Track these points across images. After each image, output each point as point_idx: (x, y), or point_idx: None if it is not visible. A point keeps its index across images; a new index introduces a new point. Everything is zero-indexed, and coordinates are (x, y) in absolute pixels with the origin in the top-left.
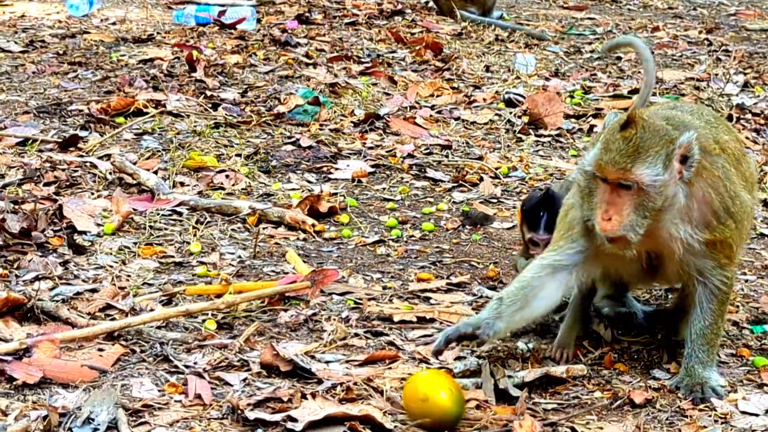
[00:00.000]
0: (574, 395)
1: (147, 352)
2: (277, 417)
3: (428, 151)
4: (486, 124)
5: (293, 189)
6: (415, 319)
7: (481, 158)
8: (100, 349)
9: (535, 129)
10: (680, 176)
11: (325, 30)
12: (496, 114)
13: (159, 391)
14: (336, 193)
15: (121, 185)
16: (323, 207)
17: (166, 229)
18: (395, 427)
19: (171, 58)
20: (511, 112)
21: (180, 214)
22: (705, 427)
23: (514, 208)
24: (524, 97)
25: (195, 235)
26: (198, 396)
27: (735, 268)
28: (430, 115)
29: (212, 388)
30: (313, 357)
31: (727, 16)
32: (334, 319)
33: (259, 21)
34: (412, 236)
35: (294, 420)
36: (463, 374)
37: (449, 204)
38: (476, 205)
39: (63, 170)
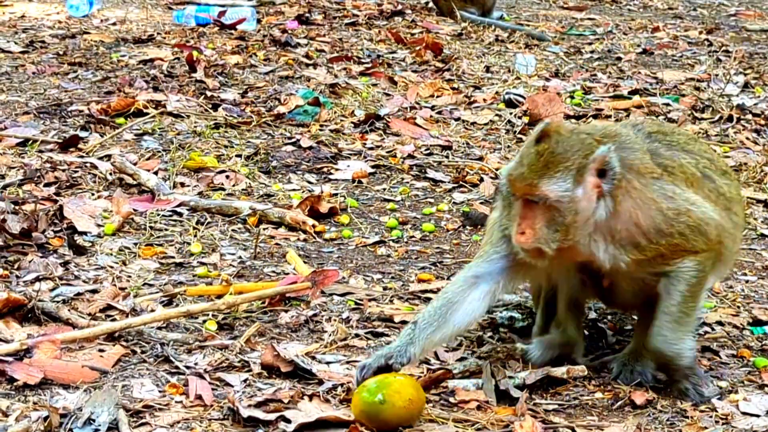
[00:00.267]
0: (574, 396)
1: (148, 353)
2: (272, 416)
3: (428, 151)
4: (486, 124)
5: (294, 189)
6: None
7: (481, 159)
8: (101, 350)
9: None
10: (599, 191)
11: (325, 30)
12: (497, 114)
13: (160, 391)
14: (336, 194)
15: (121, 186)
16: (324, 207)
17: (166, 229)
18: None
19: (171, 59)
20: (511, 113)
21: (180, 214)
22: (706, 428)
23: None
24: (524, 98)
25: (195, 236)
26: (199, 397)
27: (706, 255)
28: (431, 116)
29: (213, 389)
30: (313, 358)
31: (727, 16)
32: (335, 320)
33: (259, 21)
34: (413, 237)
35: (287, 421)
36: (463, 375)
37: (450, 205)
38: (477, 206)
39: (63, 171)
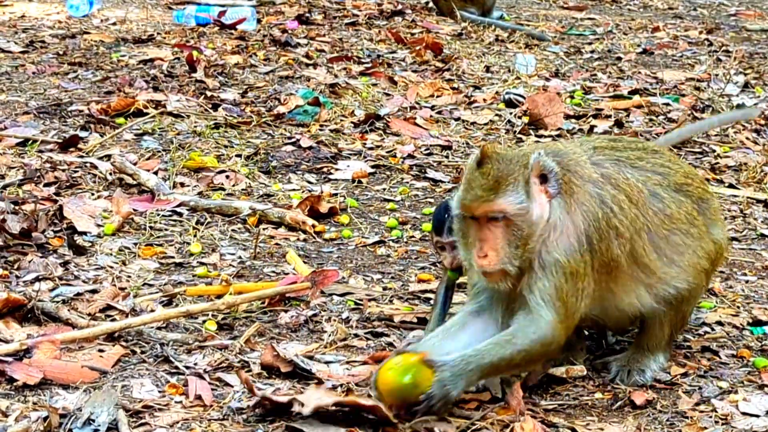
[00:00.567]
0: (574, 396)
1: (147, 353)
2: (284, 398)
3: (428, 151)
4: (486, 124)
5: (293, 189)
6: (415, 320)
7: None
8: (101, 350)
9: (535, 129)
10: (548, 196)
11: (325, 30)
12: (497, 114)
13: (159, 392)
14: (336, 194)
15: (121, 186)
16: (323, 207)
17: (166, 229)
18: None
19: (171, 59)
20: (511, 113)
21: (180, 214)
22: (705, 428)
23: None
24: (524, 98)
25: (195, 236)
26: (198, 397)
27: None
28: (431, 116)
29: (213, 389)
30: (313, 358)
31: (727, 16)
32: (335, 320)
33: (259, 21)
34: (413, 237)
35: (301, 404)
36: None
37: None
38: None
39: (63, 171)
